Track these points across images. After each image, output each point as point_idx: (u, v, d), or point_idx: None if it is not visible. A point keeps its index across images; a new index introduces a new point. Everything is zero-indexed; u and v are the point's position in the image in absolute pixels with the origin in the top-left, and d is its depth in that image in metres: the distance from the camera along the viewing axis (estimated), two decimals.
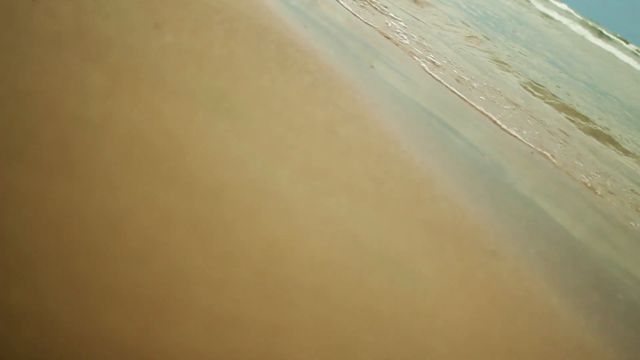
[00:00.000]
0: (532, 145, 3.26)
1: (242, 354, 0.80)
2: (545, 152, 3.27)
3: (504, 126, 3.27)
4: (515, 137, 3.23)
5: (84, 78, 1.15)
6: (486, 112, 3.30)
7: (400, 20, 4.39)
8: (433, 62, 3.70)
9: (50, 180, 0.87)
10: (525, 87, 5.07)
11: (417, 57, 3.61)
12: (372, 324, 1.00)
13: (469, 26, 6.42)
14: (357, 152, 1.62)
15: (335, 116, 1.77)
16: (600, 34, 18.23)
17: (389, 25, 4.03)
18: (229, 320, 0.83)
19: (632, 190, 3.54)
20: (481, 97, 3.62)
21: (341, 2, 3.85)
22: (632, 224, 2.88)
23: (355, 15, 3.72)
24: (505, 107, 3.73)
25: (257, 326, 0.85)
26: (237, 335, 0.82)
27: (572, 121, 4.82)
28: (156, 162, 1.04)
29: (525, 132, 3.42)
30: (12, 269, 0.72)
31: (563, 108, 5.07)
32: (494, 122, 3.24)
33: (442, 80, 3.40)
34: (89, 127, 1.03)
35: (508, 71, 5.28)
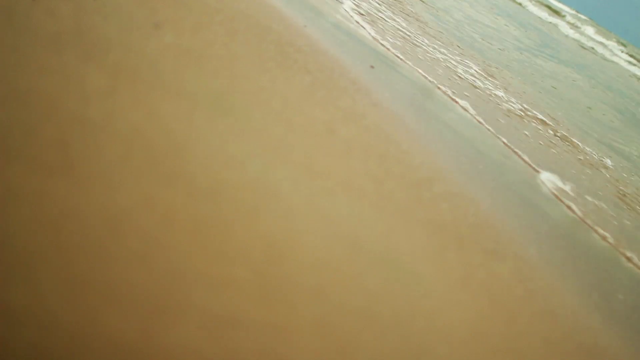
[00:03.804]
0: None
1: (241, 354, 0.80)
2: None
3: None
4: None
5: (84, 78, 1.15)
6: None
7: None
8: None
9: (50, 180, 0.87)
10: None
11: None
12: (371, 324, 1.00)
13: None
14: (357, 152, 1.62)
15: (335, 116, 1.77)
16: None
17: None
18: (229, 320, 0.83)
19: None
20: None
21: None
22: None
23: None
24: None
25: (257, 326, 0.85)
26: (237, 335, 0.82)
27: None
28: (156, 162, 1.04)
29: None
30: (12, 269, 0.72)
31: None
32: None
33: None
34: (89, 127, 1.03)
35: None
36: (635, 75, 13.17)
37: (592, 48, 14.75)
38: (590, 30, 17.72)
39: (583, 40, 15.49)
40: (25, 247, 0.75)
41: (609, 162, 4.10)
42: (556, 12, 18.10)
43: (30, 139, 0.92)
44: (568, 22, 17.26)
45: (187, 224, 0.95)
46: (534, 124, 3.89)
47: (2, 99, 0.97)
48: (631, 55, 16.35)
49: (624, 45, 17.73)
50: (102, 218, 0.87)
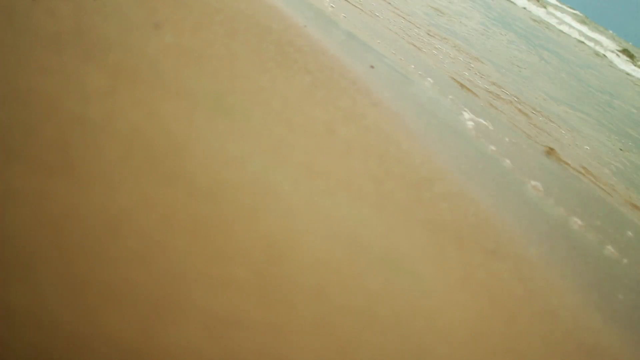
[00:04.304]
0: None
1: (241, 354, 0.80)
2: None
3: None
4: None
5: (84, 78, 1.15)
6: None
7: None
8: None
9: (50, 180, 0.87)
10: None
11: None
12: (371, 324, 1.00)
13: None
14: (357, 152, 1.62)
15: (335, 116, 1.77)
16: None
17: None
18: (229, 320, 0.83)
19: None
20: None
21: None
22: None
23: None
24: None
25: (257, 326, 0.85)
26: (237, 335, 0.82)
27: None
28: (156, 162, 1.04)
29: None
30: (12, 269, 0.72)
31: None
32: None
33: None
34: (89, 127, 1.03)
35: None
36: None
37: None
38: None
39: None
40: (25, 247, 0.76)
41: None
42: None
43: (30, 139, 0.92)
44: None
45: (187, 224, 0.95)
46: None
47: (2, 99, 0.97)
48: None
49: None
50: (102, 218, 0.87)
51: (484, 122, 3.04)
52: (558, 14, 17.31)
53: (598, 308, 1.76)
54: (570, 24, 17.47)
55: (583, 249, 2.25)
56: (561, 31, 14.67)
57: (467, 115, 2.96)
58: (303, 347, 0.87)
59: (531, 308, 1.46)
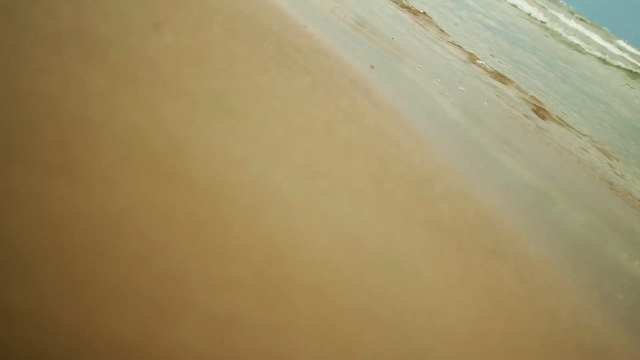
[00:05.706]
0: None
1: (241, 354, 0.80)
2: None
3: None
4: None
5: (84, 78, 1.15)
6: None
7: None
8: None
9: (50, 180, 0.87)
10: None
11: None
12: (372, 324, 1.00)
13: None
14: (357, 152, 1.62)
15: (335, 116, 1.77)
16: None
17: None
18: (229, 320, 0.83)
19: None
20: None
21: None
22: None
23: None
24: None
25: (257, 326, 0.85)
26: (237, 335, 0.82)
27: None
28: (156, 162, 1.04)
29: None
30: (12, 269, 0.72)
31: None
32: None
33: None
34: (89, 127, 1.03)
35: None
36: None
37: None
38: None
39: None
40: (25, 247, 0.76)
41: None
42: None
43: (30, 139, 0.92)
44: None
45: (187, 224, 0.95)
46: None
47: (2, 99, 0.97)
48: None
49: None
50: (102, 218, 0.87)
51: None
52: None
53: (598, 308, 1.76)
54: None
55: (583, 248, 2.25)
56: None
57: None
58: (303, 347, 0.87)
59: (531, 308, 1.46)
